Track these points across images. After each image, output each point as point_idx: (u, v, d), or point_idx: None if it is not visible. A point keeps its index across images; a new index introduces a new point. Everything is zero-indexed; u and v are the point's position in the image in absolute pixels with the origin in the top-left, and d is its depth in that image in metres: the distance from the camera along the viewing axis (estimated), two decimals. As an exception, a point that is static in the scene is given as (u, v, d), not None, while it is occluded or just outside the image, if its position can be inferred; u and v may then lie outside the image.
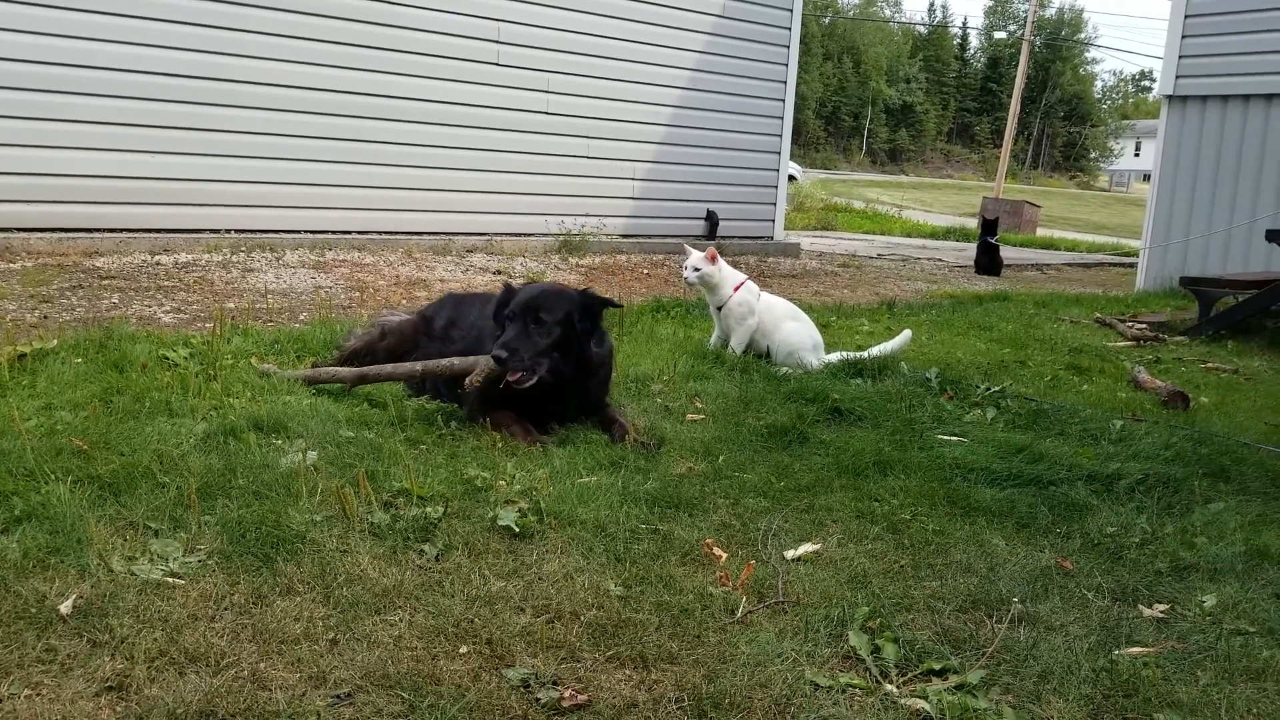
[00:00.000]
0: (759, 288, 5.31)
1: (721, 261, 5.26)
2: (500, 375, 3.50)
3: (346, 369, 4.13)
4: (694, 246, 5.40)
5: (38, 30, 7.63)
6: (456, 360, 3.77)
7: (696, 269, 5.19)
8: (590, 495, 2.94)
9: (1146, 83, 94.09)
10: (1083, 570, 2.69)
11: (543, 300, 3.61)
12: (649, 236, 11.33)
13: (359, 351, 4.47)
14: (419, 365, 3.93)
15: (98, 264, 7.26)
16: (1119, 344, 6.73)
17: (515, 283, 3.94)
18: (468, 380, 3.56)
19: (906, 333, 5.36)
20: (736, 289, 5.19)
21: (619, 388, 4.32)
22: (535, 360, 3.53)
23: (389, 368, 4.04)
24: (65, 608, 2.09)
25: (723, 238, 11.86)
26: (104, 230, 8.04)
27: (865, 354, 5.13)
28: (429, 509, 2.71)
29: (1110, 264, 15.39)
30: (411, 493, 2.82)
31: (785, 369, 4.96)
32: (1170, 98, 10.77)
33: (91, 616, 2.07)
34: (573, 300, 3.66)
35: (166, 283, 6.75)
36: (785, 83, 12.46)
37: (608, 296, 3.81)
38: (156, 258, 7.70)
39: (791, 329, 5.17)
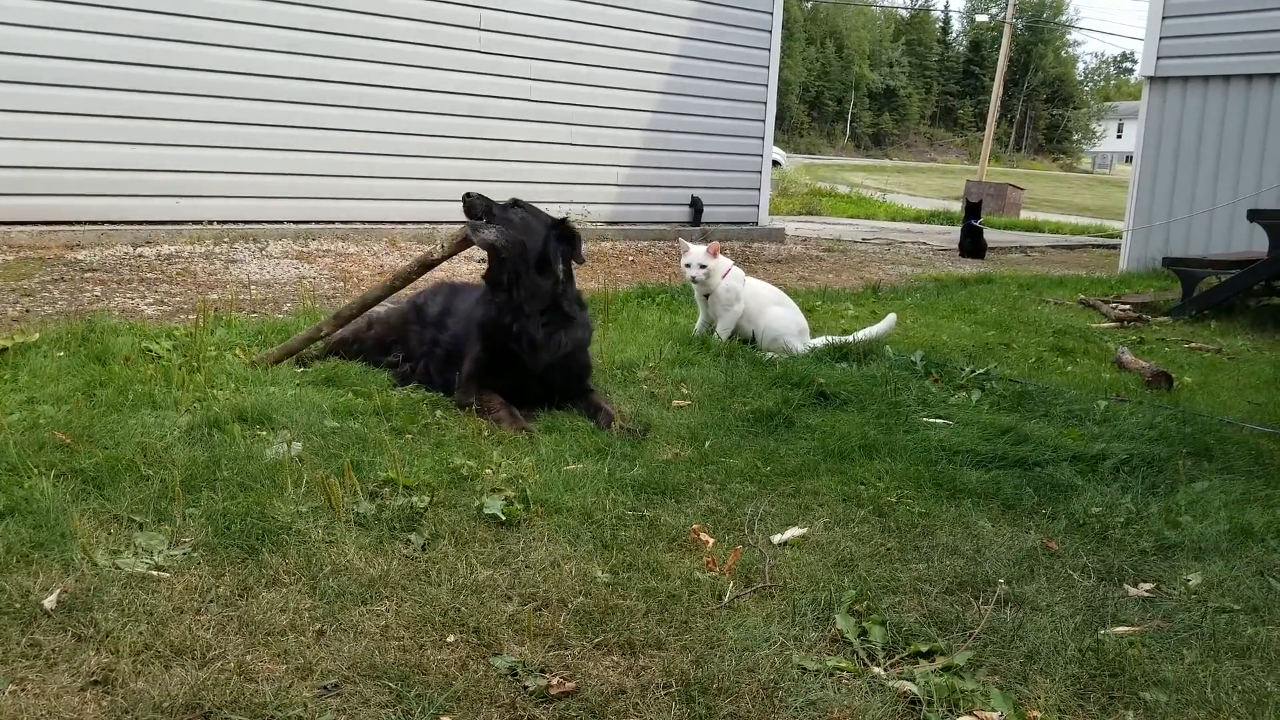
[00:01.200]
0: (744, 273, 5.31)
1: (698, 248, 5.25)
2: (464, 238, 3.79)
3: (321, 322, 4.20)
4: (681, 234, 5.41)
5: (10, 22, 7.54)
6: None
7: (703, 265, 5.14)
8: (576, 482, 2.94)
9: (1128, 64, 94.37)
10: (1068, 550, 2.70)
11: (524, 208, 3.86)
12: (634, 223, 11.31)
13: (345, 341, 4.46)
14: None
15: (79, 257, 7.20)
16: (1103, 325, 6.76)
17: None
18: (430, 250, 3.69)
19: (891, 316, 5.36)
20: (724, 276, 5.19)
21: (605, 375, 4.32)
22: (505, 221, 3.74)
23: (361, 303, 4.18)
24: (49, 602, 2.07)
25: (708, 224, 11.85)
26: (86, 223, 7.96)
27: (850, 338, 5.14)
28: (415, 498, 2.70)
29: (1094, 245, 15.45)
30: (397, 482, 2.81)
31: (770, 354, 4.97)
32: (1151, 79, 10.79)
33: (76, 611, 2.06)
34: (549, 224, 3.85)
35: (149, 275, 6.70)
36: (768, 68, 12.43)
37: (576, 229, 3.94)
38: (139, 250, 7.64)
39: (776, 314, 5.17)
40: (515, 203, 3.87)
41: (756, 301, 5.23)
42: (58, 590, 2.13)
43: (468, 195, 3.80)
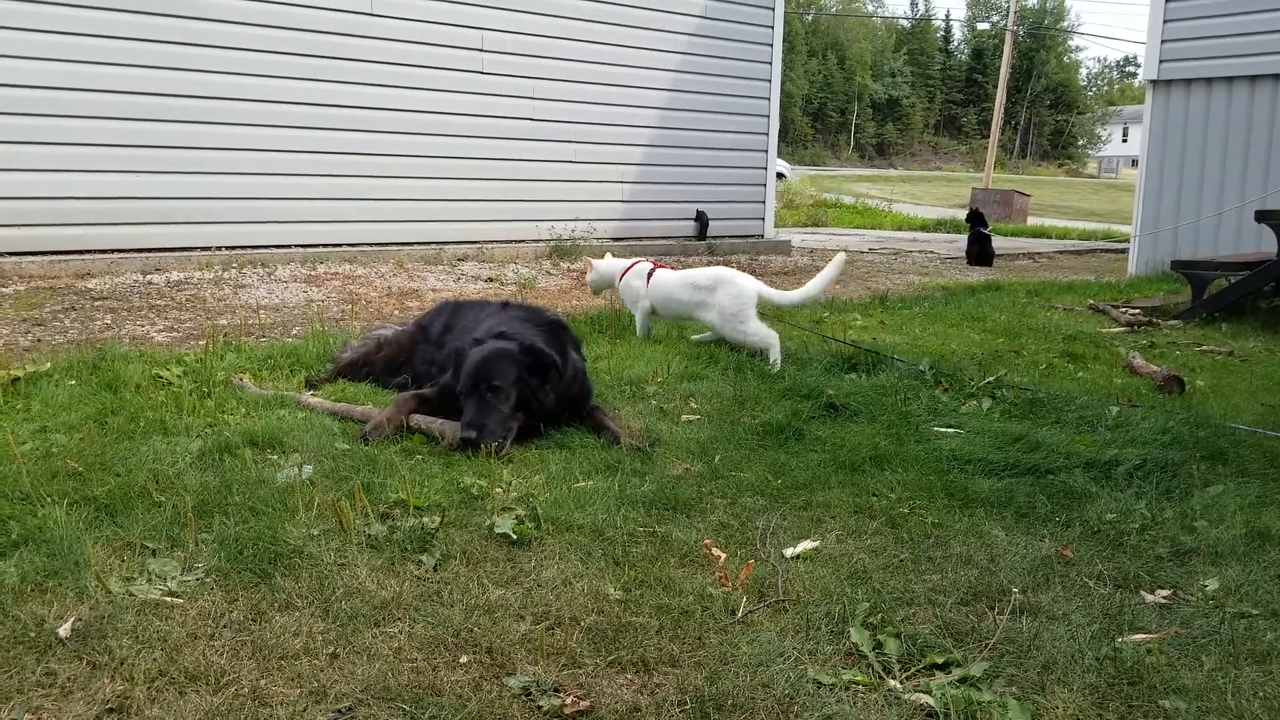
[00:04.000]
0: (652, 268, 5.51)
1: (603, 260, 5.63)
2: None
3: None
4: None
5: (19, 55, 7.62)
6: (440, 423, 3.64)
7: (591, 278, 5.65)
8: (587, 499, 2.94)
9: (1131, 68, 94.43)
10: (1083, 558, 2.69)
11: (491, 370, 3.55)
12: (640, 239, 11.33)
13: (355, 363, 4.48)
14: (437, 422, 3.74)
15: (90, 285, 7.24)
16: (1113, 330, 6.73)
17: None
18: (446, 442, 3.50)
19: (840, 256, 5.29)
20: (624, 275, 5.43)
21: (614, 391, 4.32)
22: (505, 428, 3.49)
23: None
24: (64, 630, 2.07)
25: (713, 237, 11.87)
26: (95, 251, 8.03)
27: (795, 295, 5.21)
28: (426, 519, 2.70)
29: (1102, 250, 15.41)
30: (408, 503, 2.81)
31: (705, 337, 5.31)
32: (1154, 83, 10.79)
33: (90, 639, 2.06)
34: (518, 361, 3.60)
35: (159, 302, 6.74)
36: (770, 81, 12.48)
37: (548, 353, 3.68)
38: (148, 277, 7.69)
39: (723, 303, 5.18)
40: (486, 384, 3.53)
41: (664, 291, 5.35)
42: (72, 618, 2.13)
43: (468, 439, 3.43)
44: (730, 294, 5.14)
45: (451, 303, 4.66)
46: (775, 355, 4.96)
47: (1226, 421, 4.04)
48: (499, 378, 3.53)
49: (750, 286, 5.18)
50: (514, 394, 3.54)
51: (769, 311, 5.50)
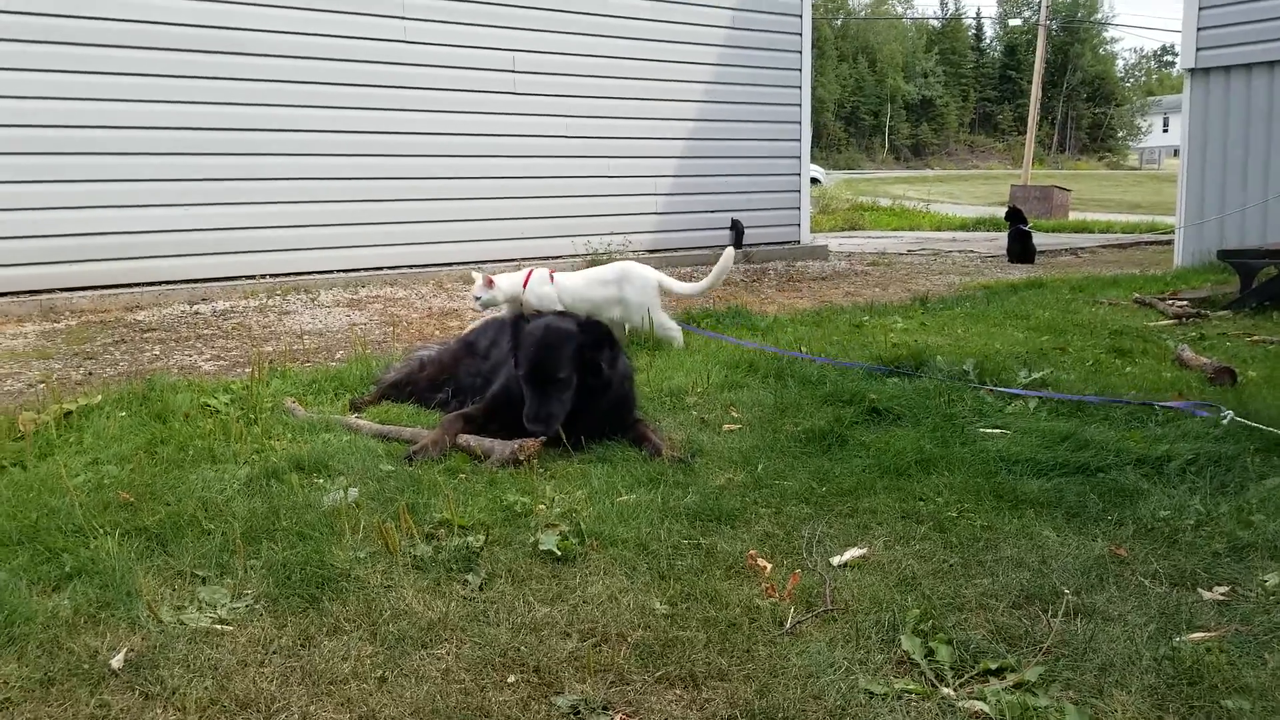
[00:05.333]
0: (551, 273, 5.65)
1: (500, 278, 5.60)
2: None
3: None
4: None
5: (70, 96, 7.82)
6: (490, 442, 3.65)
7: (477, 297, 5.54)
8: (630, 513, 2.93)
9: (1169, 58, 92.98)
10: (1137, 557, 2.63)
11: (549, 357, 3.60)
12: (675, 250, 11.35)
13: (399, 384, 4.54)
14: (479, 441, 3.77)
15: (139, 317, 7.39)
16: (1160, 323, 6.61)
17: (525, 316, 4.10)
18: (495, 458, 3.51)
19: (729, 250, 5.78)
20: (526, 284, 5.52)
21: (654, 403, 4.31)
22: (564, 413, 3.61)
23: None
24: (116, 662, 2.10)
25: (749, 245, 11.85)
26: (143, 284, 8.20)
27: (693, 286, 5.70)
28: (470, 538, 2.71)
29: (1146, 243, 15.15)
30: (452, 523, 2.82)
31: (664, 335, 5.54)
32: (1193, 71, 10.60)
33: (143, 669, 2.09)
34: (577, 338, 3.66)
35: (205, 331, 6.85)
36: (800, 87, 12.46)
37: (605, 325, 3.80)
38: (195, 307, 7.83)
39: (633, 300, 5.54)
40: (544, 374, 3.62)
41: (574, 292, 5.57)
42: (124, 649, 2.16)
43: (534, 433, 3.54)
44: (636, 286, 5.55)
45: (500, 319, 4.75)
46: (679, 344, 5.56)
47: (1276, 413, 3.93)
48: (555, 366, 3.61)
49: (653, 277, 5.61)
50: (574, 380, 3.62)
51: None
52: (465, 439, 3.64)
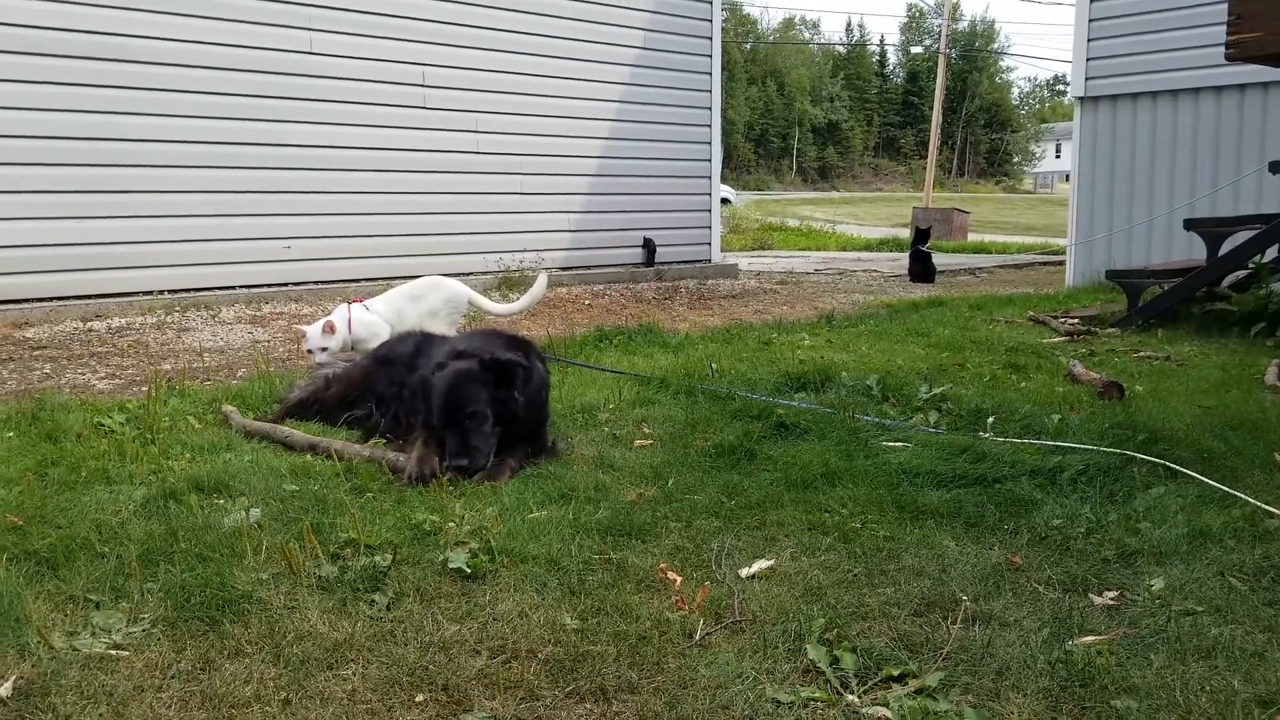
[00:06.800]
0: (364, 301, 5.61)
1: (338, 322, 5.27)
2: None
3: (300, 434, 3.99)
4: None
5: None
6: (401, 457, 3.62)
7: (324, 348, 5.19)
8: (541, 530, 2.92)
9: (1060, 86, 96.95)
10: (1032, 564, 2.73)
11: (461, 397, 3.57)
12: (589, 267, 11.37)
13: (305, 402, 4.42)
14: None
15: (28, 335, 7.09)
16: (1053, 340, 6.87)
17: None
18: (405, 476, 3.46)
19: (543, 274, 6.12)
20: (350, 324, 5.33)
21: (567, 419, 4.32)
22: (489, 446, 3.58)
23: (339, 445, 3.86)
24: (5, 690, 2.02)
25: (661, 264, 11.94)
26: (33, 300, 7.86)
27: (506, 307, 6.02)
28: (377, 557, 2.67)
29: (1040, 263, 15.74)
30: (359, 542, 2.78)
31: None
32: (1082, 99, 11.10)
33: (33, 697, 2.00)
34: (482, 379, 3.61)
35: (100, 349, 6.61)
36: (710, 108, 12.64)
37: (509, 360, 3.69)
38: (89, 324, 7.54)
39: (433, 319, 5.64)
40: (462, 414, 3.57)
41: (395, 312, 5.61)
42: (14, 677, 2.07)
43: (460, 467, 3.48)
44: (443, 296, 5.78)
45: (421, 331, 4.70)
46: None
47: (1166, 422, 4.12)
48: (471, 402, 3.56)
49: (462, 290, 5.87)
50: (489, 413, 3.59)
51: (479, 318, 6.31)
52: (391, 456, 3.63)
